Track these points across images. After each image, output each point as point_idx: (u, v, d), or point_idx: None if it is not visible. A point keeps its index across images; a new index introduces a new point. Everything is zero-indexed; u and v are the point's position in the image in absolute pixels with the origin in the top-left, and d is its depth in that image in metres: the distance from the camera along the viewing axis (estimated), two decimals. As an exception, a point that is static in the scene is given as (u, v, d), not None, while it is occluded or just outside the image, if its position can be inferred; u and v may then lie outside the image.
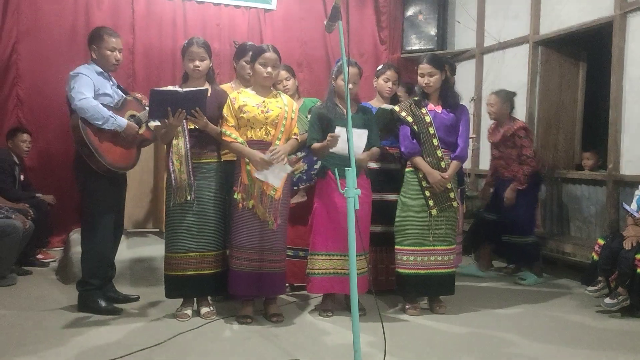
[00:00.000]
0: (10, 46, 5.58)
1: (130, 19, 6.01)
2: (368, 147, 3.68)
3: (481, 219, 5.23)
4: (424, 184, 3.79)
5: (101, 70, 3.70)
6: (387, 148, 4.12)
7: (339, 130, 3.47)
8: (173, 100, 3.40)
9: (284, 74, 4.17)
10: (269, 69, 3.54)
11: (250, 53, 3.82)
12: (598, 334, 3.55)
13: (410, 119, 3.83)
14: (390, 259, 4.06)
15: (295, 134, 3.65)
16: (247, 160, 3.49)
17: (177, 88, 3.52)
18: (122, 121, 3.61)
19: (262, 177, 3.46)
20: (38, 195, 5.20)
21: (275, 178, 3.47)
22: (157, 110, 3.45)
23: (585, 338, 3.46)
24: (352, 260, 2.50)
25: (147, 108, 3.75)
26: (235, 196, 3.52)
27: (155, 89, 3.49)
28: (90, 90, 3.54)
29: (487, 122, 6.35)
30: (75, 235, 4.83)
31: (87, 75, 3.58)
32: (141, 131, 3.77)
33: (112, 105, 3.65)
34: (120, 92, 3.83)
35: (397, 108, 3.91)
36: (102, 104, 3.55)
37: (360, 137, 3.58)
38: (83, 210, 3.75)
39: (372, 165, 4.03)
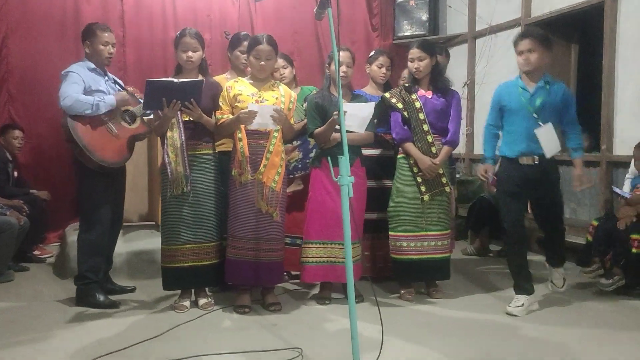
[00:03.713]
0: (-1, 43, 5.55)
1: (120, 12, 5.97)
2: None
3: (481, 201, 5.31)
4: (415, 169, 3.79)
5: (94, 66, 3.69)
6: (383, 135, 4.12)
7: (347, 107, 3.39)
8: (168, 91, 3.39)
9: (280, 62, 4.16)
10: (262, 62, 3.52)
11: (245, 43, 3.81)
12: (595, 314, 3.58)
13: (400, 105, 3.82)
14: (386, 245, 4.08)
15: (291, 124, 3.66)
16: (238, 128, 3.49)
17: (172, 79, 3.51)
18: (110, 99, 3.62)
19: (258, 125, 3.47)
20: (32, 191, 5.19)
21: (269, 121, 3.46)
22: (152, 101, 3.43)
23: (583, 318, 3.48)
24: (347, 248, 2.51)
25: (141, 102, 3.74)
26: (232, 173, 3.53)
27: (151, 79, 3.47)
28: (76, 87, 3.52)
29: (480, 106, 6.36)
30: (71, 230, 4.83)
31: (76, 72, 3.57)
32: (136, 125, 3.76)
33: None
34: (116, 87, 3.82)
35: (387, 95, 3.90)
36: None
37: (366, 109, 3.57)
38: (80, 205, 3.75)
39: (370, 152, 4.03)
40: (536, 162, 3.59)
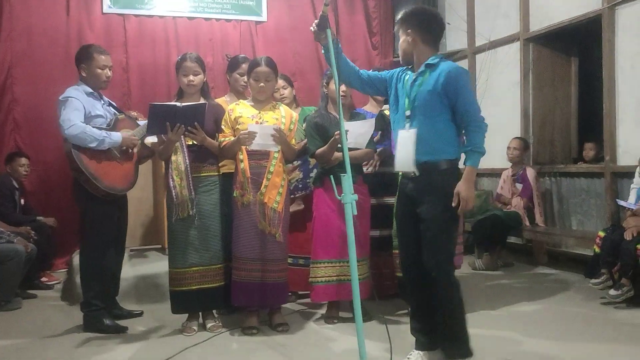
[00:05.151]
0: (5, 71, 5.63)
1: (122, 39, 6.05)
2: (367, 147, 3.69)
3: (494, 218, 5.31)
4: None
5: (91, 90, 3.68)
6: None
7: (348, 125, 3.40)
8: (171, 115, 3.41)
9: (280, 82, 4.20)
10: (262, 84, 3.56)
11: (243, 65, 3.85)
12: (605, 326, 3.56)
13: None
14: (393, 263, 4.06)
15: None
16: (240, 149, 3.50)
17: (175, 103, 3.53)
18: (117, 136, 3.59)
19: (258, 147, 3.47)
20: (39, 218, 5.20)
21: (270, 143, 3.46)
22: (156, 125, 3.45)
23: (592, 331, 3.46)
24: (352, 266, 2.51)
25: (139, 125, 3.76)
26: (234, 194, 3.54)
27: (154, 103, 3.49)
28: (79, 114, 3.51)
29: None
30: (78, 257, 4.84)
31: (77, 98, 3.55)
32: (137, 149, 3.78)
33: (104, 127, 3.62)
34: (112, 110, 3.81)
35: (387, 112, 3.91)
36: (94, 126, 3.54)
37: (369, 126, 3.57)
38: (84, 234, 3.72)
39: (370, 169, 4.03)
40: (415, 174, 2.78)
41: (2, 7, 5.61)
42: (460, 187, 2.67)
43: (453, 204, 2.66)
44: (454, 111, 2.73)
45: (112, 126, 3.68)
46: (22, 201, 5.24)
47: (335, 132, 3.52)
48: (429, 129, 2.72)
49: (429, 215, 2.71)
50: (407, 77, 2.87)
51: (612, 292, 3.93)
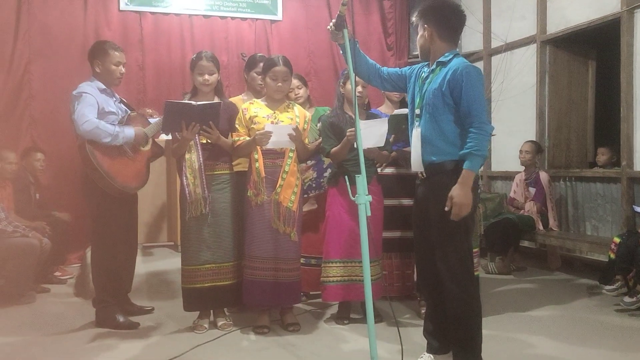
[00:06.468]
0: (22, 67, 5.67)
1: (139, 36, 6.09)
2: (382, 148, 3.67)
3: (507, 222, 5.27)
4: None
5: (104, 86, 3.69)
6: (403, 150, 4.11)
7: (363, 124, 3.34)
8: (187, 113, 3.41)
9: (295, 82, 4.20)
10: (279, 83, 3.56)
11: (261, 64, 3.85)
12: (618, 333, 3.52)
13: None
14: (405, 264, 4.05)
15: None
16: (255, 149, 3.50)
17: (191, 101, 3.54)
18: (130, 131, 3.60)
19: (273, 145, 3.48)
20: (54, 213, 5.25)
21: (285, 139, 3.47)
22: (171, 122, 3.46)
23: (606, 338, 3.42)
24: (365, 267, 2.50)
25: (151, 122, 3.77)
26: (248, 194, 3.54)
27: (170, 100, 3.50)
28: (94, 110, 3.51)
29: (497, 124, 6.34)
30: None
31: (91, 94, 3.56)
32: (147, 147, 3.79)
33: (116, 124, 3.62)
34: (123, 107, 3.82)
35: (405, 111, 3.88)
36: (107, 123, 3.54)
37: (382, 125, 3.53)
38: (95, 231, 3.73)
39: (387, 170, 4.02)
40: (423, 176, 2.82)
41: (20, 4, 5.66)
42: (455, 190, 2.57)
43: (446, 209, 2.58)
44: (458, 112, 2.63)
45: (125, 123, 3.68)
46: (37, 196, 5.28)
47: (348, 130, 3.50)
48: (432, 129, 2.68)
49: (436, 218, 2.67)
50: (423, 74, 2.82)
51: (626, 299, 3.89)
